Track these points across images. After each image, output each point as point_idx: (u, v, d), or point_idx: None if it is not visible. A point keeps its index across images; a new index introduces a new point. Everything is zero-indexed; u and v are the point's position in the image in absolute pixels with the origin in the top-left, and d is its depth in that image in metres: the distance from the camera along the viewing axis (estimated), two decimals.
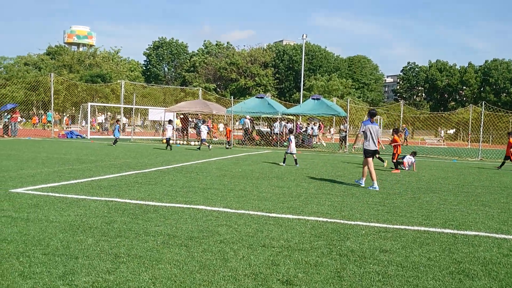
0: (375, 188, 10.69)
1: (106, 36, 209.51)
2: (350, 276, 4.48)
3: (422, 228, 6.62)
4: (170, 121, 25.44)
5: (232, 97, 32.42)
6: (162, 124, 37.98)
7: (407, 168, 16.15)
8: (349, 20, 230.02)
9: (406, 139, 41.03)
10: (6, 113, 33.32)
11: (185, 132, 32.90)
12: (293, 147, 16.22)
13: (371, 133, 11.28)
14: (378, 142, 12.34)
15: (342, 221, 6.89)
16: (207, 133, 25.26)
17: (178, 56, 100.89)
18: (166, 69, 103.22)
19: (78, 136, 33.71)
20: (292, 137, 16.48)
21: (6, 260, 4.53)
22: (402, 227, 6.68)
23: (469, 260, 5.15)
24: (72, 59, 79.39)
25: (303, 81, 60.12)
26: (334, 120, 36.66)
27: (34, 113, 59.84)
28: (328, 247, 5.45)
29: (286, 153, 16.38)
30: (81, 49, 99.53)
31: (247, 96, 73.45)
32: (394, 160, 16.25)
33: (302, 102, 46.61)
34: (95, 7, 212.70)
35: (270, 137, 30.49)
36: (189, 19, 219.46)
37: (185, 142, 30.24)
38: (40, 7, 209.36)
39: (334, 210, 7.79)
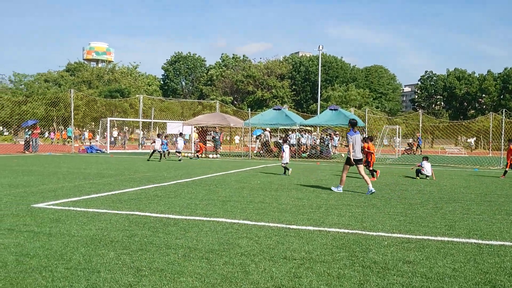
0: (339, 190, 11.67)
1: (124, 52, 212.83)
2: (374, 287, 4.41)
3: (446, 239, 6.51)
4: (158, 135, 26.45)
5: (249, 109, 32.51)
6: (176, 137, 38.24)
7: (429, 174, 16.08)
8: (364, 30, 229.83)
9: (419, 148, 40.51)
10: (27, 129, 33.87)
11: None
12: (286, 157, 16.46)
13: (356, 143, 11.72)
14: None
15: (363, 232, 6.81)
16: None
17: (195, 70, 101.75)
18: (183, 83, 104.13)
19: (98, 151, 34.08)
20: (285, 147, 16.68)
21: (29, 275, 4.56)
22: (425, 237, 6.57)
23: (495, 271, 5.03)
24: (91, 75, 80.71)
25: (320, 92, 60.02)
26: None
27: (54, 129, 60.73)
28: (350, 258, 5.38)
29: (283, 163, 16.55)
30: (100, 65, 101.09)
31: (264, 108, 73.60)
32: (371, 168, 16.07)
33: (320, 113, 46.51)
34: (113, 24, 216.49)
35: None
36: (206, 33, 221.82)
37: (203, 155, 30.34)
38: (60, 25, 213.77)
39: (355, 221, 7.70)
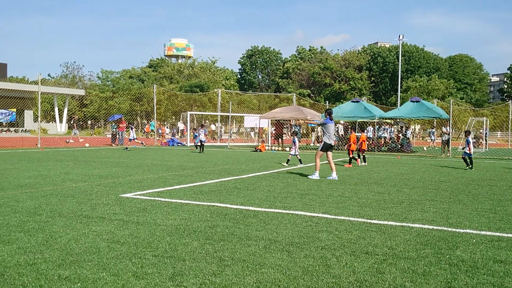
0: (334, 178, 12.42)
1: (202, 47, 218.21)
2: (462, 287, 4.22)
3: None
4: (202, 126, 26.90)
5: (327, 102, 32.13)
6: (255, 130, 38.63)
7: (471, 150, 16.63)
8: (448, 17, 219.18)
9: (485, 141, 37.80)
10: (113, 123, 35.76)
11: (279, 138, 33.14)
12: (295, 149, 17.35)
13: (331, 130, 12.83)
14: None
15: (449, 229, 6.52)
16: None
17: (271, 63, 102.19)
18: (260, 76, 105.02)
19: (179, 144, 35.27)
20: (296, 139, 17.59)
21: (120, 261, 4.82)
22: None
23: None
24: (172, 71, 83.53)
25: (401, 83, 58.10)
26: (435, 123, 34.95)
27: (138, 123, 63.55)
28: (436, 256, 5.18)
29: (290, 154, 17.50)
30: (180, 60, 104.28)
31: (342, 100, 72.48)
32: (351, 156, 17.66)
33: (400, 104, 45.07)
34: (192, 21, 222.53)
35: (367, 142, 29.77)
36: (283, 26, 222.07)
37: (280, 148, 30.47)
38: (143, 23, 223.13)
39: (440, 217, 7.40)
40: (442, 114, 27.91)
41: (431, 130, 40.30)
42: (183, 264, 4.71)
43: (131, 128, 28.84)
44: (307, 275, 4.46)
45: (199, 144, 25.21)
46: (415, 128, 54.94)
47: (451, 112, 25.98)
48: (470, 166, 16.58)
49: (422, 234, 6.21)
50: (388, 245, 5.60)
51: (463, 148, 17.30)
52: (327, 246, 5.52)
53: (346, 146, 18.23)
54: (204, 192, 9.80)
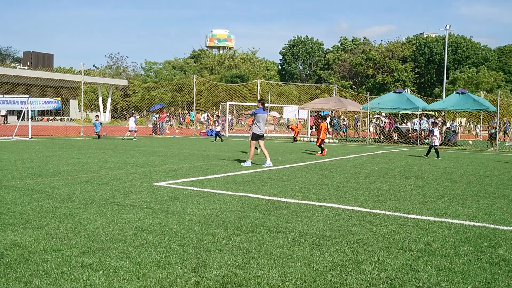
0: (248, 164, 12.75)
1: (244, 38, 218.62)
2: None
3: None
4: (218, 117, 27.31)
5: (368, 93, 31.44)
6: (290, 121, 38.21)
7: (437, 143, 17.25)
8: (495, 7, 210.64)
9: (506, 133, 35.90)
10: (155, 113, 36.21)
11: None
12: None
13: (261, 120, 13.14)
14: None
15: (492, 226, 6.15)
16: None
17: (313, 54, 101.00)
18: (301, 67, 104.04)
19: (218, 134, 35.34)
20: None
21: (145, 249, 4.74)
22: None
23: None
24: (213, 61, 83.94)
25: (447, 74, 56.30)
26: (481, 116, 33.59)
27: (179, 113, 64.24)
28: (476, 254, 4.86)
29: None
30: (221, 51, 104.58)
31: (384, 92, 70.89)
32: (318, 144, 17.79)
33: (446, 96, 43.70)
34: (234, 11, 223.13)
35: (410, 134, 28.96)
36: (326, 16, 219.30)
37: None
38: (185, 14, 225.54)
39: (483, 213, 7.00)
40: (489, 106, 26.77)
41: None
42: (208, 255, 4.59)
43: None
44: (335, 270, 4.26)
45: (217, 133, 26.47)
46: (460, 121, 53.21)
47: (498, 105, 24.88)
48: (425, 154, 17.68)
49: (462, 230, 5.87)
50: (424, 241, 5.31)
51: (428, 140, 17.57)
52: (359, 240, 5.28)
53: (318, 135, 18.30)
54: (237, 182, 9.68)
